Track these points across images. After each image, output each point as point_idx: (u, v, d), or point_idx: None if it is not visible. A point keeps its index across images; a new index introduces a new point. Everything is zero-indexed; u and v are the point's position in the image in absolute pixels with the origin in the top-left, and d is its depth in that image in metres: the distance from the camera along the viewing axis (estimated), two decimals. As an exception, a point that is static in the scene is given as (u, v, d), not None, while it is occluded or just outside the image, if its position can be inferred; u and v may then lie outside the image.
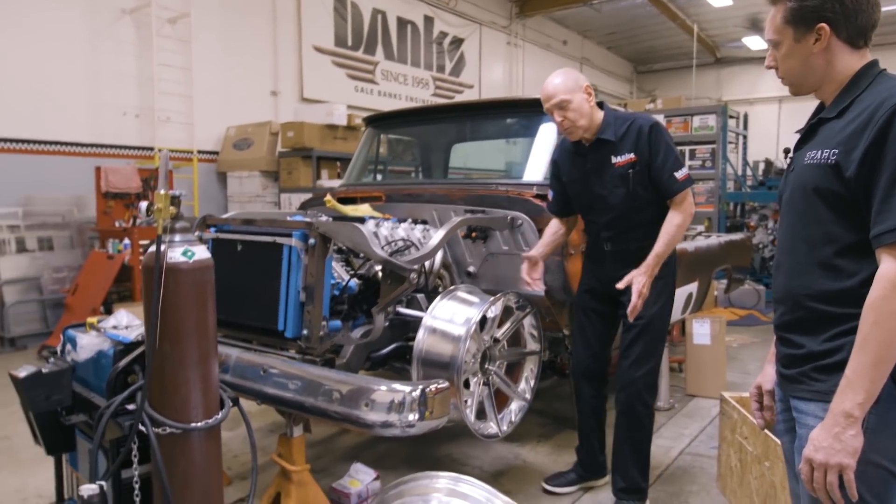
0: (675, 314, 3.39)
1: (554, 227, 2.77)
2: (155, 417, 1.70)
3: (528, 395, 2.84)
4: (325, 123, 6.93)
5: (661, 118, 8.42)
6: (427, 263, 2.87)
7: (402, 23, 10.03)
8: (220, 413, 1.81)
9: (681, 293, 3.67)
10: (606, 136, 2.53)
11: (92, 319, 2.14)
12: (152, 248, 1.67)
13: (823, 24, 1.35)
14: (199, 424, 1.73)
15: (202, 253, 1.74)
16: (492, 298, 2.55)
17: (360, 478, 2.80)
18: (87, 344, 2.02)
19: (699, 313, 4.52)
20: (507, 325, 2.69)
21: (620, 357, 2.65)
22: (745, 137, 9.95)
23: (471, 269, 3.11)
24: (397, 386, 2.15)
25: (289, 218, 2.68)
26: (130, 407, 1.79)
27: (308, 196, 4.64)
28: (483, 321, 2.51)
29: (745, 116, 10.37)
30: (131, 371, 1.93)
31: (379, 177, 4.36)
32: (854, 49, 1.37)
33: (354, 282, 2.68)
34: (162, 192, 1.64)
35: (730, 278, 5.65)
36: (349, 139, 7.13)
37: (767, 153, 12.86)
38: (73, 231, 6.07)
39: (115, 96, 6.48)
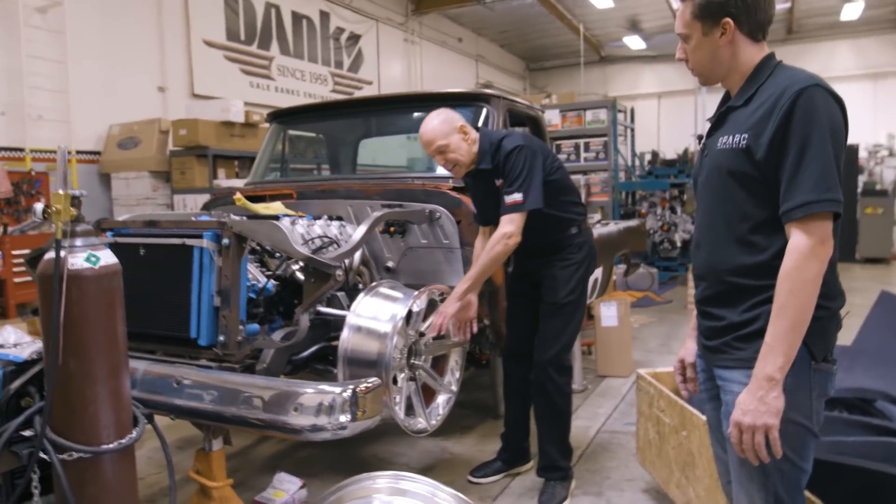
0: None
1: (481, 242, 2.83)
2: (59, 442, 1.54)
3: (453, 387, 2.83)
4: (221, 120, 6.60)
5: (556, 112, 8.83)
6: (346, 260, 2.80)
7: (297, 17, 9.74)
8: (135, 431, 1.67)
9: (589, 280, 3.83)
10: (484, 167, 2.69)
11: (-29, 340, 1.90)
12: (50, 255, 1.51)
13: (728, 19, 1.46)
14: (111, 446, 1.59)
15: (108, 258, 1.59)
16: (416, 293, 2.52)
17: (285, 487, 2.69)
18: (-30, 367, 1.80)
19: (604, 297, 4.74)
20: (431, 319, 2.68)
21: (535, 339, 2.79)
22: (632, 130, 10.59)
23: (389, 264, 3.07)
24: (326, 387, 2.08)
25: (197, 218, 2.52)
26: (28, 433, 1.62)
27: (206, 197, 4.39)
28: (409, 316, 2.48)
29: (632, 111, 11.03)
30: (25, 394, 1.75)
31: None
32: (755, 42, 1.50)
33: (272, 283, 2.57)
34: (60, 191, 1.48)
35: (628, 263, 5.99)
36: (247, 136, 6.83)
37: (651, 145, 13.75)
38: (-69, 244, 5.40)
39: (-24, 92, 5.84)
